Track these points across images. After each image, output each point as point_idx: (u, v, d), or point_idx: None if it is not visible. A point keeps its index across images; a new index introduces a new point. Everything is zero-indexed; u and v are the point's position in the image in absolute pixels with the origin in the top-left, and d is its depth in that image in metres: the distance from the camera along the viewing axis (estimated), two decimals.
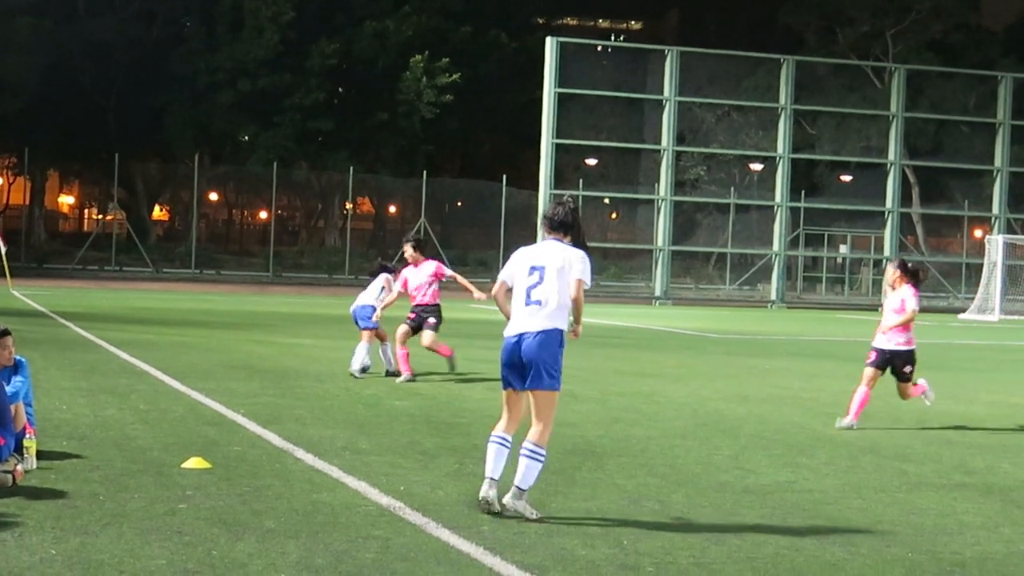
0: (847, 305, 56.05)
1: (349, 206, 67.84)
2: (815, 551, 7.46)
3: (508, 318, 8.23)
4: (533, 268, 8.15)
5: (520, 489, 7.98)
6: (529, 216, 56.44)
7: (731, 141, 57.64)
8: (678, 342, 26.72)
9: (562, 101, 49.55)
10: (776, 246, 52.37)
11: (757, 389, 16.72)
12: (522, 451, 8.02)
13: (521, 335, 8.02)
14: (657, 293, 50.75)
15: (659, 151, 51.12)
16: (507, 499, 7.98)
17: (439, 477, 9.34)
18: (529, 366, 7.95)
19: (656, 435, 12.08)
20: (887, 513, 8.66)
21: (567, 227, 8.27)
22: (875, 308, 51.49)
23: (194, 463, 9.37)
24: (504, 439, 8.08)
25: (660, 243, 50.80)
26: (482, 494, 8.04)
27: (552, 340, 8.01)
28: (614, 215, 70.79)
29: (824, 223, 63.39)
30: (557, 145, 49.24)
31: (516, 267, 8.26)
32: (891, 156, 53.54)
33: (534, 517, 7.89)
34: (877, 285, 57.32)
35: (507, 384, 8.06)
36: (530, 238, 53.63)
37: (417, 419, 12.52)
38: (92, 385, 14.47)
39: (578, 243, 8.26)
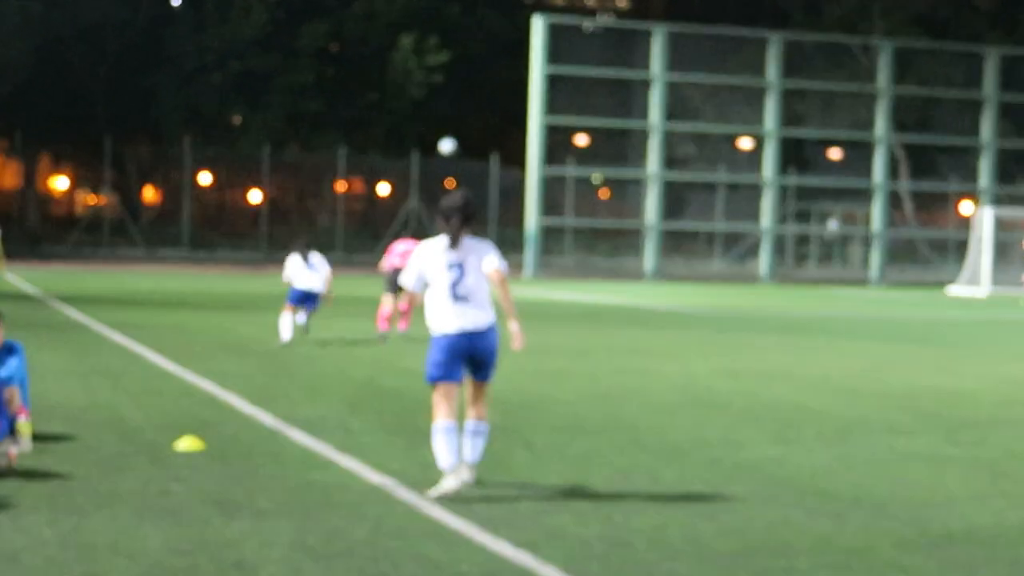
0: (837, 280, 56.15)
1: (341, 187, 67.73)
2: (805, 525, 7.48)
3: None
4: (451, 265, 8.22)
5: (472, 465, 8.15)
6: (520, 195, 56.43)
7: (720, 118, 57.55)
8: (669, 319, 26.76)
9: (551, 80, 49.47)
10: (765, 223, 52.39)
11: (748, 364, 16.75)
12: (474, 430, 8.14)
13: (471, 332, 8.09)
14: (647, 270, 50.77)
15: (648, 129, 51.08)
16: (466, 477, 8.08)
17: (431, 456, 9.33)
18: (486, 361, 8.15)
19: (647, 411, 12.10)
20: (876, 486, 8.68)
21: (470, 219, 8.32)
22: (865, 283, 51.57)
23: (187, 444, 9.37)
24: (454, 426, 8.09)
25: (650, 221, 50.79)
26: (455, 482, 7.97)
27: (496, 334, 8.24)
28: (604, 193, 70.78)
29: (813, 200, 63.42)
30: (547, 124, 49.17)
31: (429, 264, 8.25)
32: (878, 132, 53.54)
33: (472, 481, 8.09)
34: (867, 260, 57.36)
35: (450, 377, 8.08)
36: (520, 215, 53.63)
37: (409, 398, 12.53)
38: (85, 367, 14.45)
39: (456, 237, 8.27)
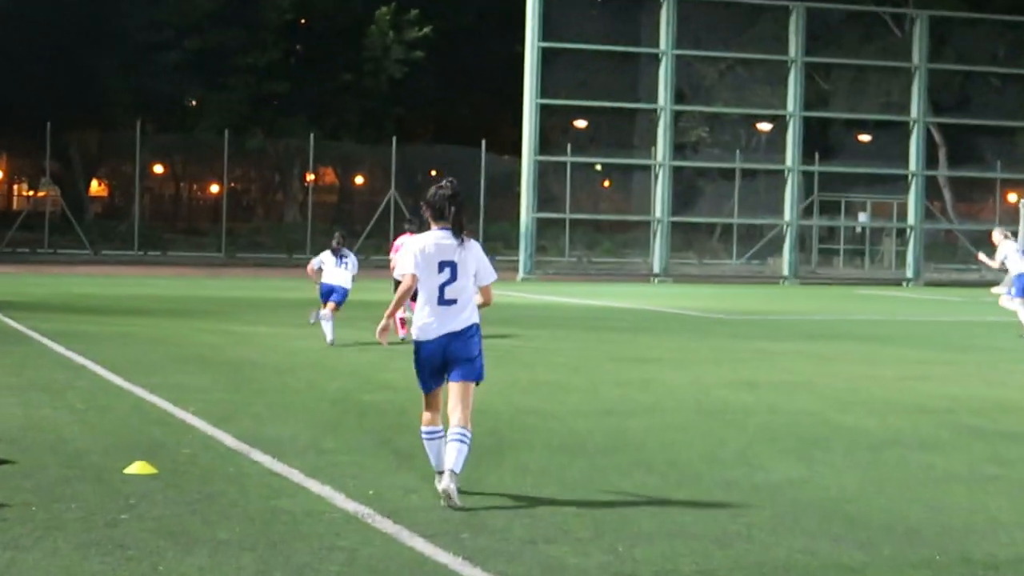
0: (868, 280, 56.17)
1: (310, 177, 67.72)
2: (832, 554, 7.49)
3: (394, 312, 9.08)
4: (443, 264, 8.77)
5: (455, 473, 8.51)
6: (511, 185, 56.40)
7: (735, 99, 57.62)
8: (679, 324, 26.79)
9: (547, 57, 49.45)
10: (787, 215, 52.46)
11: (767, 375, 16.80)
12: (454, 438, 8.60)
13: (451, 334, 8.74)
14: (655, 269, 50.79)
15: (655, 111, 51.12)
16: (446, 483, 8.45)
17: (414, 480, 9.35)
18: (463, 358, 8.70)
19: (654, 428, 12.12)
20: (912, 511, 8.70)
21: (457, 213, 8.88)
22: (899, 283, 51.64)
23: (138, 468, 9.36)
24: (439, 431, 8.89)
25: (658, 214, 50.83)
26: (442, 487, 8.50)
27: (479, 333, 8.90)
28: (607, 183, 70.83)
29: (841, 189, 63.41)
30: (542, 106, 49.16)
31: (422, 260, 8.81)
32: (914, 113, 53.59)
33: (459, 505, 8.37)
34: (901, 257, 57.39)
35: (437, 385, 8.85)
36: (512, 209, 53.62)
37: (390, 414, 12.54)
38: (24, 382, 14.43)
39: (461, 230, 8.87)
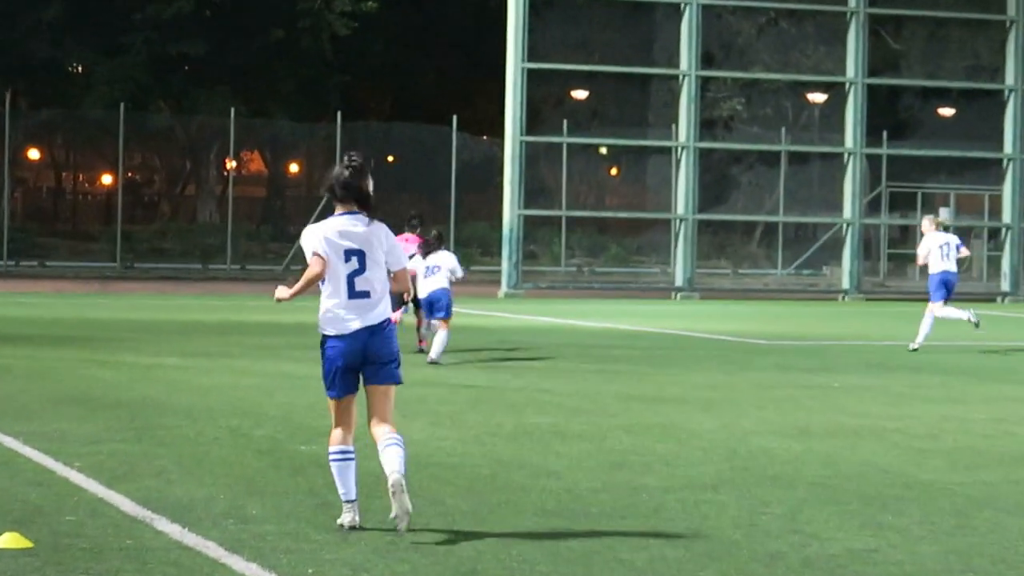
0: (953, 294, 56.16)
1: (231, 165, 67.67)
2: None
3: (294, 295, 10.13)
4: (349, 253, 10.00)
5: (402, 475, 9.72)
6: (491, 174, 56.33)
7: (779, 62, 57.69)
8: (708, 352, 26.74)
9: (535, 7, 49.48)
10: (848, 212, 52.50)
11: (822, 418, 16.76)
12: (391, 442, 9.88)
13: (366, 329, 9.97)
14: (678, 282, 50.81)
15: (677, 78, 51.12)
16: (398, 489, 9.64)
17: (364, 554, 9.34)
18: (384, 360, 9.98)
19: (676, 486, 12.10)
20: None
21: (364, 194, 10.12)
22: (992, 298, 51.60)
23: (8, 541, 9.32)
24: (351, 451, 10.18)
25: (681, 210, 50.83)
26: (347, 522, 9.91)
27: (394, 328, 10.26)
28: (614, 171, 70.85)
29: (917, 178, 63.42)
30: (529, 72, 49.12)
31: (329, 249, 10.03)
32: (1009, 80, 53.70)
33: (410, 511, 9.70)
34: (995, 264, 57.40)
35: (348, 391, 10.13)
36: (492, 205, 53.54)
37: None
38: None
39: (369, 212, 10.12)
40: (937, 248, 26.83)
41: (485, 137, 61.25)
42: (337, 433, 10.05)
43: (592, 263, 61.67)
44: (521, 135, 49.03)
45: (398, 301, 18.67)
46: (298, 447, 13.87)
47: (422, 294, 21.60)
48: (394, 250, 10.14)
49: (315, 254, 9.96)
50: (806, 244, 61.73)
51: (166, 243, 65.29)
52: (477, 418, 15.20)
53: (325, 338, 10.04)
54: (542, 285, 51.71)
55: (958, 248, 27.15)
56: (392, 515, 9.69)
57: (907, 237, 65.84)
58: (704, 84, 52.96)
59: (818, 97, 61.29)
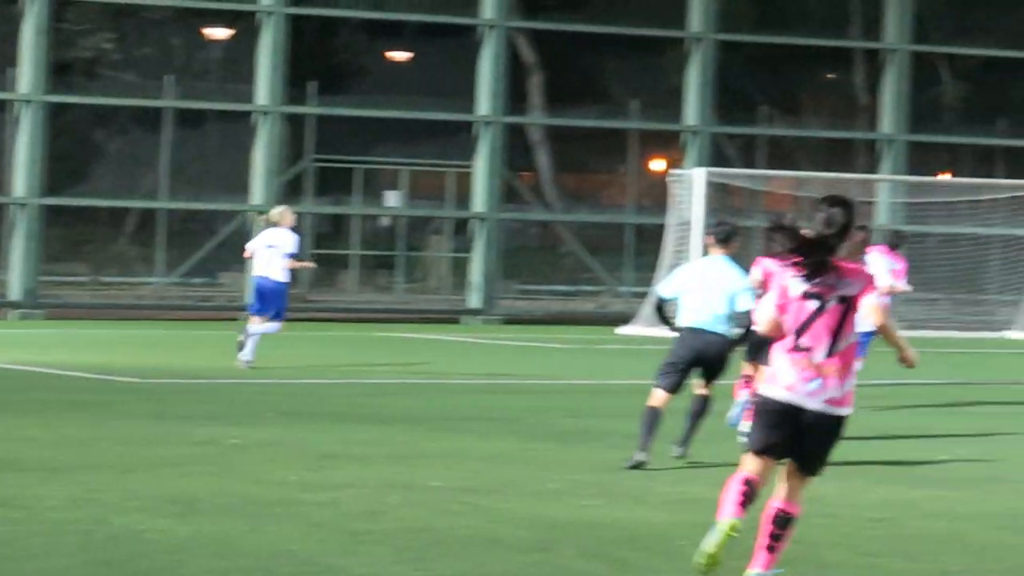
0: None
1: None
2: None
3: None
4: None
5: None
6: None
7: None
8: (55, 395, 23.71)
9: None
10: (258, 197, 47.39)
11: (215, 487, 14.61)
12: None
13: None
14: (14, 295, 43.68)
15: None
16: None
17: None
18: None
19: None
20: None
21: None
22: (456, 318, 46.58)
23: None
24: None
25: (20, 192, 43.65)
26: None
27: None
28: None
29: (355, 149, 53.29)
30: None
31: None
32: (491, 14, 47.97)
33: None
34: (461, 270, 49.75)
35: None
36: None
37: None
38: None
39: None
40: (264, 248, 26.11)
41: None
42: None
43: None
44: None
45: None
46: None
47: None
48: None
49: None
50: (198, 241, 52.84)
51: None
52: None
53: None
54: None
55: None
56: None
57: (341, 232, 56.76)
58: (59, 11, 45.92)
59: (220, 33, 54.36)
